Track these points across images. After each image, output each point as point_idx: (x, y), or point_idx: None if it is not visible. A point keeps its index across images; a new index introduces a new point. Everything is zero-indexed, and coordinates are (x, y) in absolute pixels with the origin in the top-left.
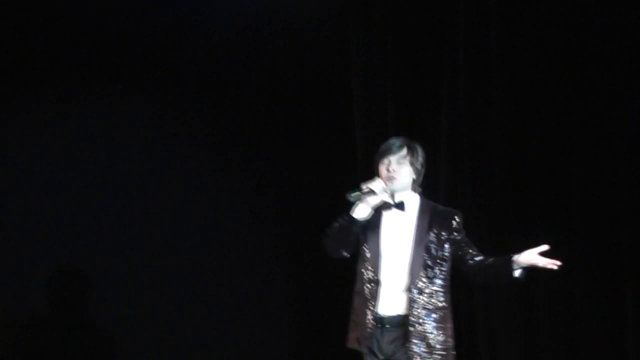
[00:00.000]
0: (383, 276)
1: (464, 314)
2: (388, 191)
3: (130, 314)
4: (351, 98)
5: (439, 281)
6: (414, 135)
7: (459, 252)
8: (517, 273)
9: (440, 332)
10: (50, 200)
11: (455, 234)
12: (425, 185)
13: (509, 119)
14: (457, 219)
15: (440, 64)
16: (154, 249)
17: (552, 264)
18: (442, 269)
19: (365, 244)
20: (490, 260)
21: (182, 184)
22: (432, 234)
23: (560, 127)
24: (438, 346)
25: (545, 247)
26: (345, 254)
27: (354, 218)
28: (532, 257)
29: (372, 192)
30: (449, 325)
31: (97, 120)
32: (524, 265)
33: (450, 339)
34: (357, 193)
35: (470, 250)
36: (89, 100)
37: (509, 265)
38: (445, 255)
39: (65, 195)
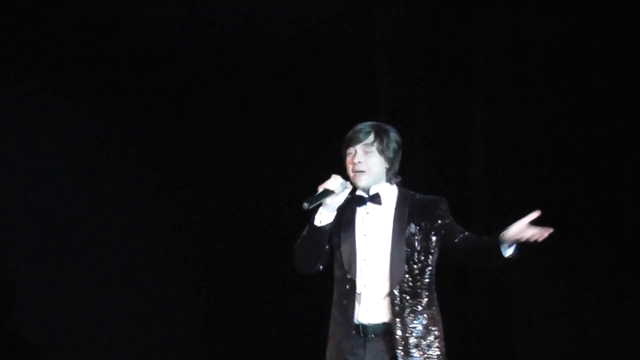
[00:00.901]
0: (361, 278)
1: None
2: (350, 187)
3: (57, 318)
4: (375, 90)
5: (425, 279)
6: (444, 132)
7: (444, 235)
8: (508, 252)
9: (431, 336)
10: None
11: (440, 221)
12: (406, 173)
13: (550, 111)
14: (442, 206)
15: (474, 51)
16: (87, 251)
17: (541, 233)
18: (427, 263)
19: (337, 246)
20: (481, 239)
21: (117, 185)
22: (412, 225)
23: (605, 121)
24: (430, 352)
25: (535, 214)
26: (319, 267)
27: (316, 227)
28: (519, 230)
29: (329, 192)
30: (440, 326)
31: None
32: (512, 241)
33: (442, 342)
34: (313, 197)
35: (456, 230)
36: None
37: (497, 244)
38: (430, 248)
39: None
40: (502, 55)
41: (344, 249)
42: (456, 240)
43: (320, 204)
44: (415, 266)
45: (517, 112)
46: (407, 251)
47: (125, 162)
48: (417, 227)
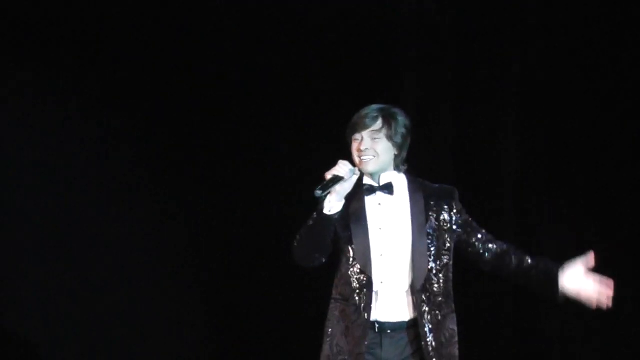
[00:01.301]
0: (378, 275)
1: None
2: (359, 173)
3: (53, 320)
4: (401, 84)
5: (445, 275)
6: (475, 128)
7: (463, 231)
8: (560, 296)
9: (453, 335)
10: None
11: (458, 214)
12: (412, 160)
13: (590, 108)
14: (457, 197)
15: (508, 44)
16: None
17: (603, 302)
18: (448, 259)
19: (347, 240)
20: (527, 262)
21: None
22: (432, 219)
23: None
24: (452, 350)
25: (590, 260)
26: (322, 259)
27: (325, 215)
28: (580, 286)
29: (338, 179)
30: (456, 327)
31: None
32: (569, 295)
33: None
34: (324, 185)
35: (475, 227)
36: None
37: (556, 283)
38: (449, 243)
39: None
40: (536, 55)
41: (357, 243)
42: (475, 240)
43: (330, 192)
44: (437, 262)
45: (552, 114)
46: (428, 246)
47: (120, 158)
48: (436, 221)
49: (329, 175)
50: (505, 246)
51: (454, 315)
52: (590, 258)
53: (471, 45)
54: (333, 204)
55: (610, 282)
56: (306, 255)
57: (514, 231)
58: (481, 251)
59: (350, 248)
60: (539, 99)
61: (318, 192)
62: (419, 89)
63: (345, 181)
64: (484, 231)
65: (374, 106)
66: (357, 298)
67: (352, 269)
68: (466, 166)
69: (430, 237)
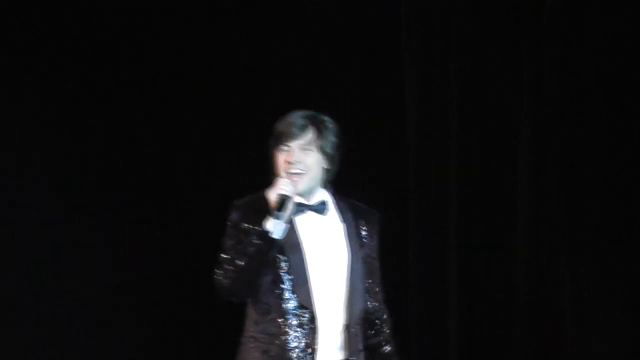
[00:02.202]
0: (320, 311)
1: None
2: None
3: None
4: (402, 82)
5: (379, 304)
6: (486, 138)
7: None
8: None
9: None
10: None
11: (375, 248)
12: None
13: (606, 113)
14: (378, 226)
15: (519, 48)
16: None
17: None
18: (379, 284)
19: (282, 267)
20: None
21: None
22: (366, 242)
23: None
24: None
25: None
26: (254, 292)
27: (272, 240)
28: None
29: (288, 198)
30: None
31: None
32: None
33: None
34: (280, 208)
35: (377, 283)
36: None
37: None
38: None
39: None
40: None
41: (295, 274)
42: (371, 304)
43: (284, 212)
44: (372, 291)
45: (570, 117)
46: (365, 274)
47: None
48: (368, 242)
49: (274, 197)
50: (385, 316)
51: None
52: None
53: (478, 48)
54: (278, 226)
55: None
56: (241, 289)
57: (528, 243)
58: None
59: (285, 279)
60: (552, 105)
61: (280, 215)
62: (422, 102)
63: (292, 200)
64: (381, 302)
65: (302, 113)
66: (292, 337)
67: (287, 304)
68: (471, 181)
69: (364, 264)
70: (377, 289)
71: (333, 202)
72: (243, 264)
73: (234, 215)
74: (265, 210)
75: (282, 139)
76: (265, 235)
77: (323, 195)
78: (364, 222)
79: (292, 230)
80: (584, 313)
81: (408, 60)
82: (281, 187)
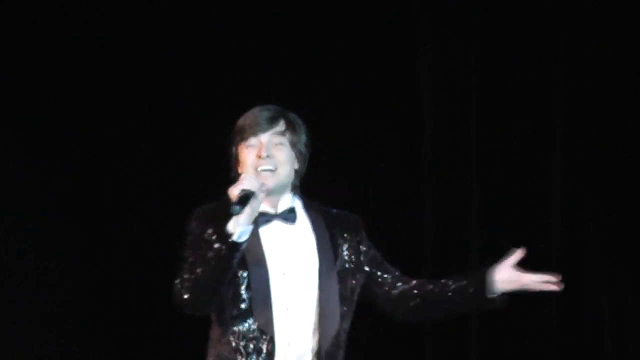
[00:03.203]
0: (282, 337)
1: None
2: (263, 190)
3: None
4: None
5: (348, 325)
6: (512, 141)
7: (379, 274)
8: (495, 298)
9: None
10: None
11: (367, 249)
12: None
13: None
14: (362, 227)
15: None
16: None
17: (548, 284)
18: (353, 305)
19: (242, 283)
20: (441, 284)
21: None
22: (341, 254)
23: None
24: None
25: (519, 254)
26: (216, 304)
27: (234, 243)
28: (514, 277)
29: (251, 194)
30: None
31: None
32: (505, 291)
33: None
34: (239, 201)
35: (386, 266)
36: None
37: (483, 285)
38: (358, 285)
39: None
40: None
41: (255, 291)
42: (388, 277)
43: (241, 211)
44: (346, 308)
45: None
46: (339, 289)
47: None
48: (347, 257)
49: (236, 191)
50: (418, 280)
51: None
52: (518, 253)
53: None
54: (241, 228)
55: (555, 277)
56: (203, 301)
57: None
58: (394, 290)
59: (243, 297)
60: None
61: (236, 209)
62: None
63: (257, 198)
64: (398, 273)
65: (269, 105)
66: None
67: (243, 325)
68: (495, 189)
69: (340, 279)
70: (397, 274)
71: (303, 209)
72: (200, 271)
73: (194, 225)
74: (227, 217)
75: (249, 131)
76: (225, 236)
77: (291, 201)
78: (341, 231)
79: (255, 241)
80: (623, 328)
81: (422, 49)
82: (244, 182)
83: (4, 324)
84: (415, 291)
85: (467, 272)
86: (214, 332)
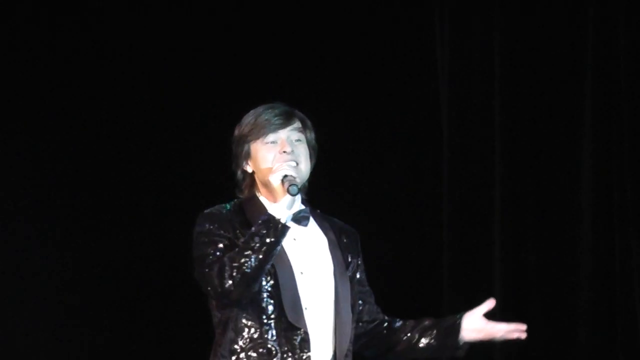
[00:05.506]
0: (311, 331)
1: None
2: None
3: None
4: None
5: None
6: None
7: (362, 297)
8: (461, 345)
9: None
10: None
11: (362, 267)
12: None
13: None
14: (359, 242)
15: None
16: None
17: (516, 331)
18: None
19: (269, 279)
20: (418, 322)
21: None
22: (353, 260)
23: None
24: None
25: (490, 304)
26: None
27: (285, 226)
28: (481, 326)
29: (293, 179)
30: None
31: None
32: (470, 340)
33: None
34: (293, 183)
35: (372, 300)
36: None
37: (457, 330)
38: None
39: None
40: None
41: (285, 289)
42: (369, 304)
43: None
44: (352, 316)
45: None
46: (352, 293)
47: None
48: (354, 263)
49: (279, 177)
50: (388, 317)
51: None
52: (489, 303)
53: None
54: (289, 212)
55: (521, 327)
56: (248, 289)
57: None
58: (371, 313)
59: (272, 294)
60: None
61: (295, 189)
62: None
63: (298, 185)
64: (379, 310)
65: (278, 103)
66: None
67: (272, 323)
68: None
69: (351, 284)
70: (374, 304)
71: (310, 214)
72: (256, 258)
73: (207, 224)
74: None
75: (268, 127)
76: (275, 223)
77: (300, 204)
78: (346, 241)
79: None
80: None
81: (440, 37)
82: (284, 168)
83: (15, 323)
84: (386, 324)
85: (441, 318)
86: (233, 331)
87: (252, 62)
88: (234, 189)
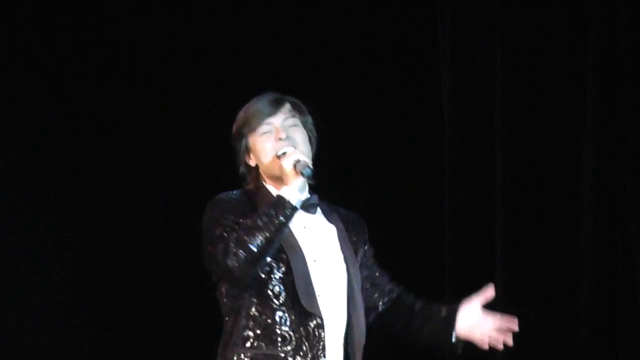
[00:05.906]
0: (326, 317)
1: None
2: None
3: None
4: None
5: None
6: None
7: (372, 279)
8: (454, 337)
9: None
10: None
11: (370, 252)
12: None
13: None
14: (366, 229)
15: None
16: None
17: (505, 337)
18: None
19: (281, 266)
20: (421, 306)
21: None
22: (360, 248)
23: None
24: None
25: (490, 293)
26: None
27: (295, 208)
28: (473, 323)
29: (304, 162)
30: None
31: None
32: (464, 337)
33: None
34: (306, 166)
35: (386, 280)
36: None
37: (449, 325)
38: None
39: None
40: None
41: (297, 275)
42: (387, 298)
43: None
44: (364, 302)
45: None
46: (362, 282)
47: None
48: (361, 251)
49: (291, 161)
50: (400, 289)
51: None
52: (488, 292)
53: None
54: (299, 194)
55: (514, 320)
56: (253, 268)
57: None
58: (383, 295)
59: (285, 281)
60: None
61: (308, 170)
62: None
63: (308, 167)
64: (387, 274)
65: (269, 93)
66: (301, 346)
67: (286, 309)
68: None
69: (361, 272)
70: (388, 280)
71: (317, 202)
72: (264, 238)
73: (218, 207)
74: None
75: (259, 118)
76: (286, 204)
77: (307, 193)
78: (352, 229)
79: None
80: None
81: (441, 34)
82: (295, 153)
83: (15, 323)
84: (391, 303)
85: (437, 304)
86: (245, 317)
87: (252, 62)
88: (241, 183)
